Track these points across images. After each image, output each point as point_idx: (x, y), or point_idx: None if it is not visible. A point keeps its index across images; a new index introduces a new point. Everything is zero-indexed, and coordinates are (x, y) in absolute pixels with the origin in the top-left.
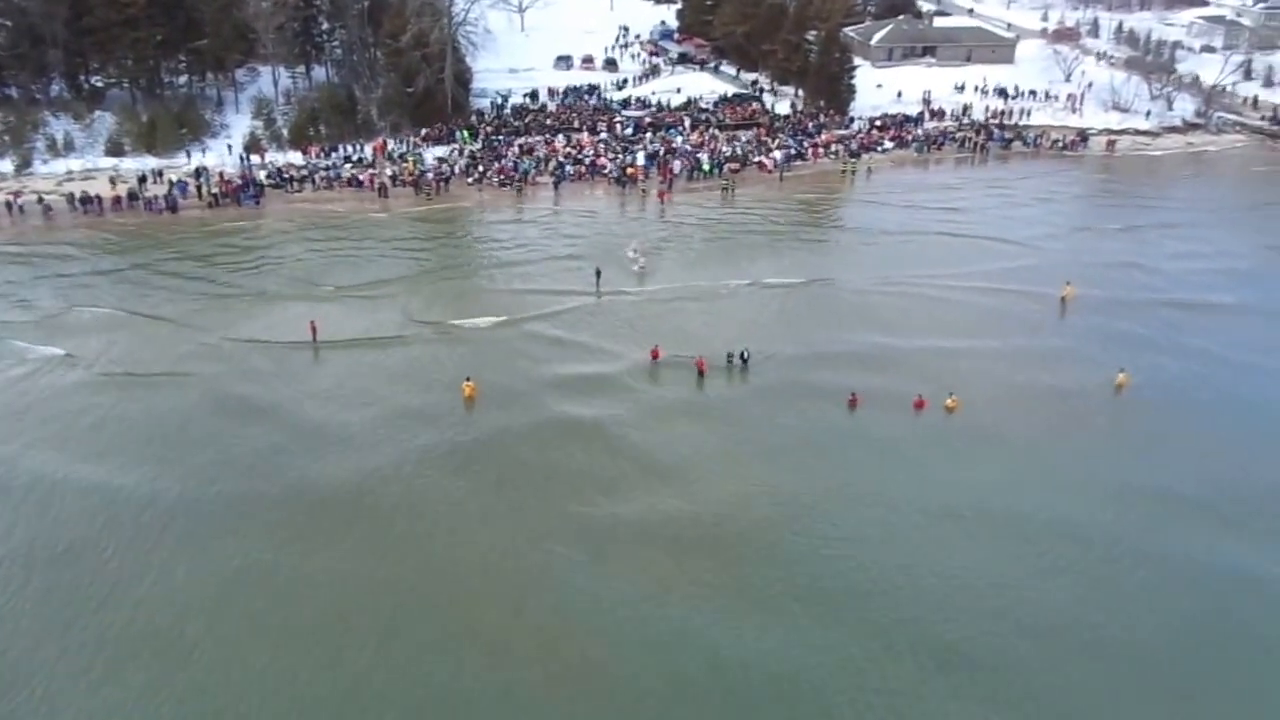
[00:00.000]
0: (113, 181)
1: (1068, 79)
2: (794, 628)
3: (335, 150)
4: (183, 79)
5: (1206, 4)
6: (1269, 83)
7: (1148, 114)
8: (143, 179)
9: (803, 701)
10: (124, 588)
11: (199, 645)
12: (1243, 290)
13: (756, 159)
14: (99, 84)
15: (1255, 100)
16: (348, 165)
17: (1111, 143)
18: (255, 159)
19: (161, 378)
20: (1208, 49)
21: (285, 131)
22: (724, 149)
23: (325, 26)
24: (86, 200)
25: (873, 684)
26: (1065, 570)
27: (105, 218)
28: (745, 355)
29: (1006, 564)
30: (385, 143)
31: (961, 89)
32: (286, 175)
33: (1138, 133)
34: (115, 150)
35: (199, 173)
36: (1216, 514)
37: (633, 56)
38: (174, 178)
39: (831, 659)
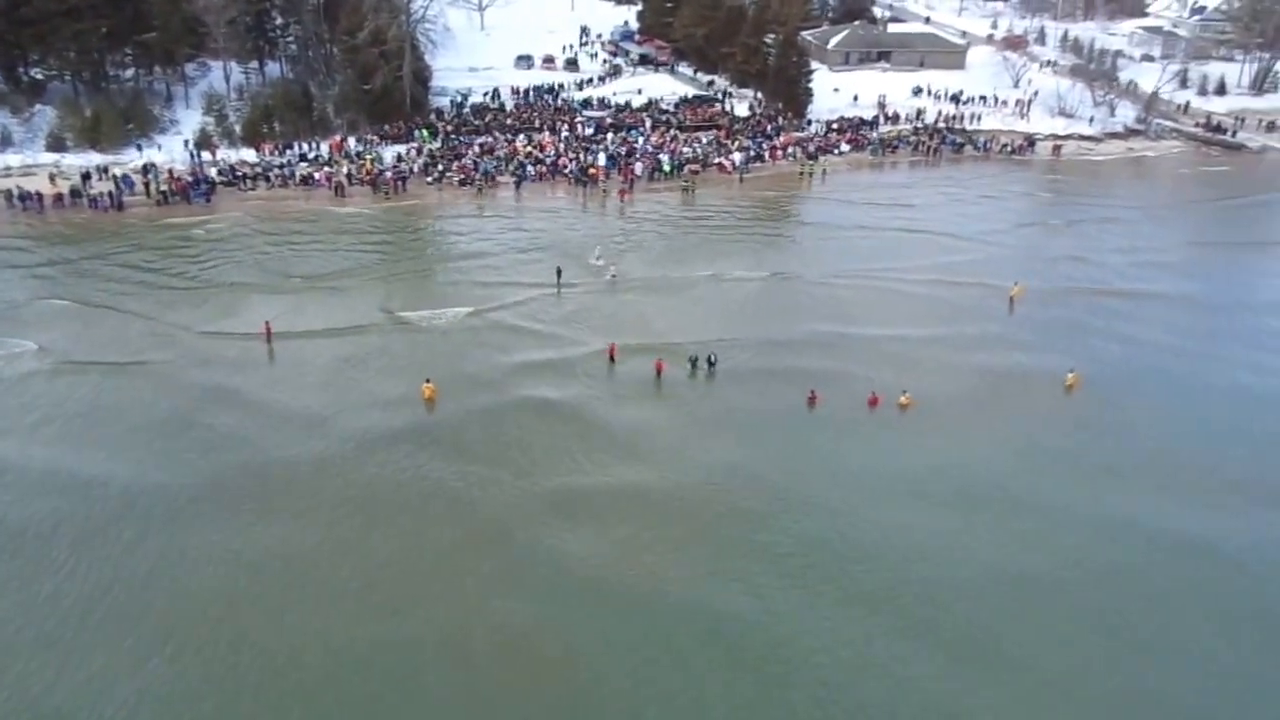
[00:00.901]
0: (53, 178)
1: (1016, 85)
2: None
3: (290, 148)
4: (129, 72)
5: (1146, 15)
6: (1203, 91)
7: (1091, 120)
8: (86, 176)
9: (762, 650)
10: (100, 569)
11: (167, 637)
12: (1172, 281)
13: (716, 160)
14: (39, 76)
15: (1186, 106)
16: (303, 163)
17: (1057, 147)
18: (206, 156)
19: (132, 366)
20: (1147, 58)
21: (238, 128)
22: (684, 150)
23: (279, 21)
24: (26, 197)
25: (827, 632)
26: (1002, 533)
27: (46, 215)
28: (712, 359)
29: (941, 528)
30: (342, 141)
31: (918, 93)
32: (239, 173)
33: (1082, 138)
34: (57, 145)
35: (147, 169)
36: (1153, 484)
37: (591, 56)
38: (118, 173)
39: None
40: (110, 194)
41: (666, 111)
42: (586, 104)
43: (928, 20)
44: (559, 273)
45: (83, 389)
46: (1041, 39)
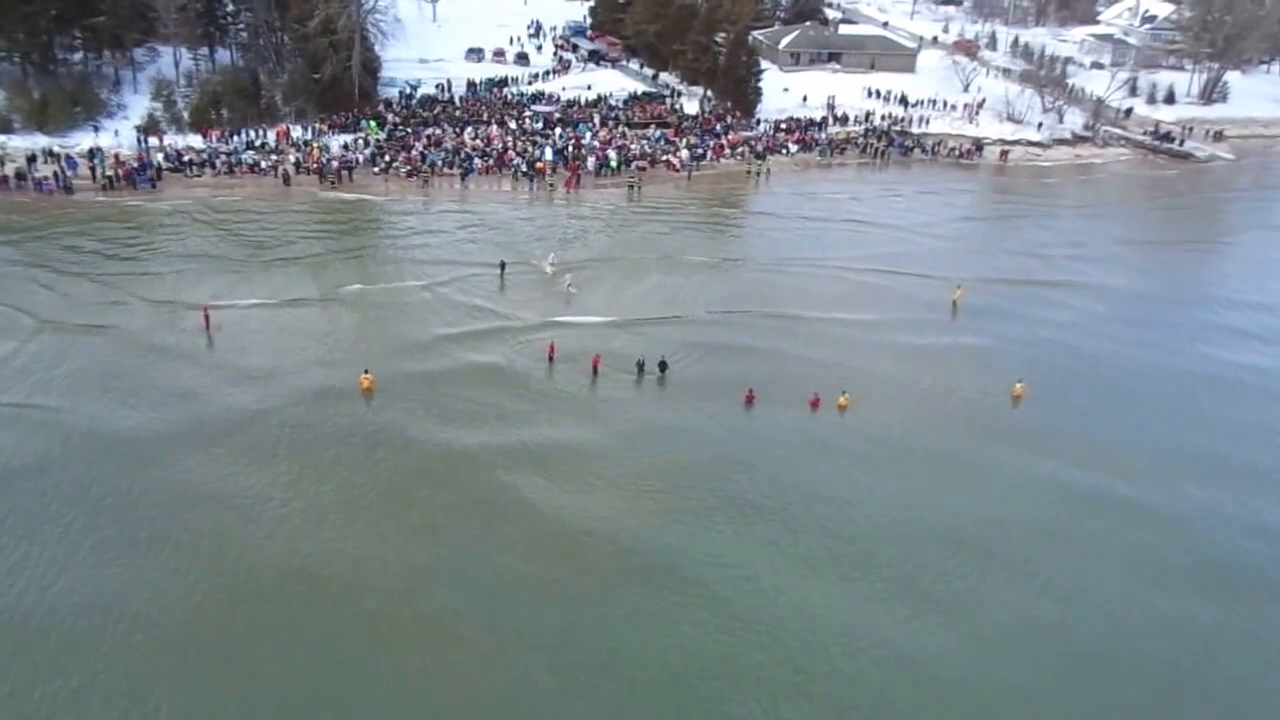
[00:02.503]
0: (1, 160)
1: (966, 90)
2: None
3: (237, 135)
4: (78, 56)
5: (1097, 22)
6: (1152, 99)
7: (1039, 126)
8: (32, 158)
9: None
10: (104, 489)
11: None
12: (1109, 275)
13: (664, 157)
14: None
15: (1129, 112)
16: (250, 151)
17: (1005, 153)
18: (153, 141)
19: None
20: (1097, 65)
21: (185, 114)
22: (632, 147)
23: (230, 8)
24: None
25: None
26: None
27: None
28: (663, 364)
29: (864, 481)
30: (289, 129)
31: (877, 95)
32: (186, 159)
33: (1030, 144)
34: (3, 127)
35: (93, 153)
36: (1072, 453)
37: (537, 49)
38: (59, 151)
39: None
40: (56, 175)
41: (615, 108)
42: (535, 98)
43: (886, 25)
44: (502, 266)
45: (71, 348)
46: (992, 44)
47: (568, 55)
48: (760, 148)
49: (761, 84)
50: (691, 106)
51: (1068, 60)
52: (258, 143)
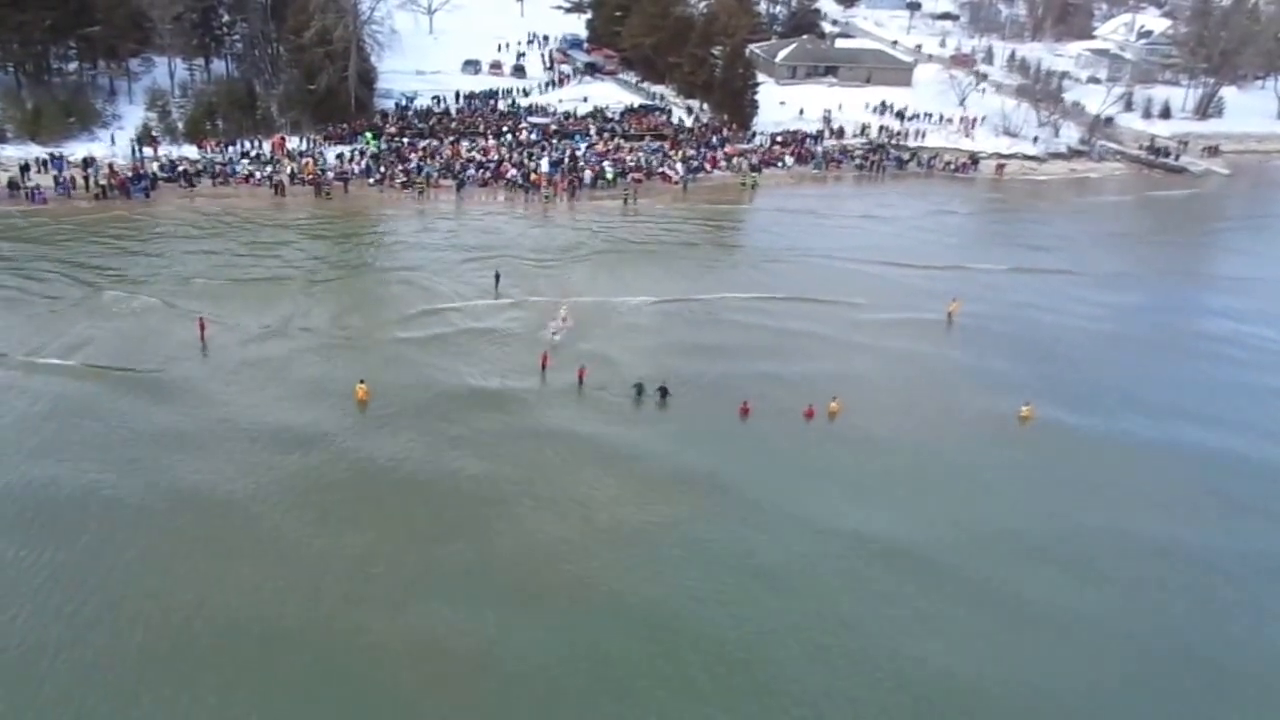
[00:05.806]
0: None
1: (962, 104)
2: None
3: (233, 145)
4: (73, 65)
5: (1093, 38)
6: (1148, 114)
7: (1035, 140)
8: (25, 168)
9: None
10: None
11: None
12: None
13: (660, 169)
14: None
15: (1109, 120)
16: (245, 161)
17: (1001, 166)
18: (148, 151)
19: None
20: (1093, 80)
21: (181, 124)
22: (628, 159)
23: (226, 19)
24: None
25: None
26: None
27: None
28: (664, 389)
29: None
30: (284, 140)
31: (879, 110)
32: (180, 169)
33: (1025, 158)
34: None
35: (87, 163)
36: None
37: (520, 56)
38: (45, 155)
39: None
40: (57, 179)
41: (611, 120)
42: (531, 110)
43: (895, 44)
44: (497, 277)
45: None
46: (989, 59)
47: (564, 68)
48: (755, 160)
49: (758, 97)
50: (688, 119)
51: (1064, 75)
52: (253, 153)
